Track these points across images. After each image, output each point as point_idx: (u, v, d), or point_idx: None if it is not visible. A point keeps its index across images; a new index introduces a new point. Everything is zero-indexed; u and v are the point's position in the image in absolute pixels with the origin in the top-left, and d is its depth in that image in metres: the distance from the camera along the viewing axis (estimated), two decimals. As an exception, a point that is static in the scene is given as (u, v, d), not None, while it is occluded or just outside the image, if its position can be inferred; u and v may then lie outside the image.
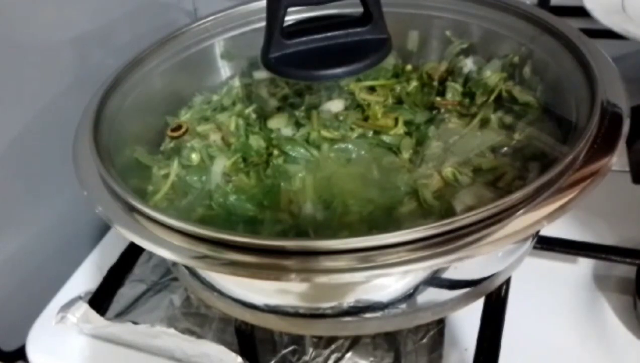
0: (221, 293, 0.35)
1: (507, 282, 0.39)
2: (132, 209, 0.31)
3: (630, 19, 0.49)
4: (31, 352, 0.42)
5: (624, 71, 0.35)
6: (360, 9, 0.36)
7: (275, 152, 0.37)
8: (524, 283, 0.40)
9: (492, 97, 0.40)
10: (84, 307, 0.41)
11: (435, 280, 0.32)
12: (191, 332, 0.41)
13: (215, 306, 0.37)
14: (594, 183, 0.28)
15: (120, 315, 0.43)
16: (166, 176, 0.37)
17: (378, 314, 0.33)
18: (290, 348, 0.39)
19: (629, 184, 0.36)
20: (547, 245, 0.42)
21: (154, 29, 0.50)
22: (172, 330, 0.37)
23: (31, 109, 0.48)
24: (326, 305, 0.32)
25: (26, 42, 0.47)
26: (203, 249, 0.28)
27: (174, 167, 0.37)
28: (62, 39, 0.50)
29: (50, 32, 0.49)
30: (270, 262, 0.27)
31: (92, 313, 0.41)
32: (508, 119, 0.38)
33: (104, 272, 0.46)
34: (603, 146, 0.30)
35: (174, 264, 0.39)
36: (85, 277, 0.47)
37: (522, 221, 0.27)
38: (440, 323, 0.39)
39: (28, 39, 0.47)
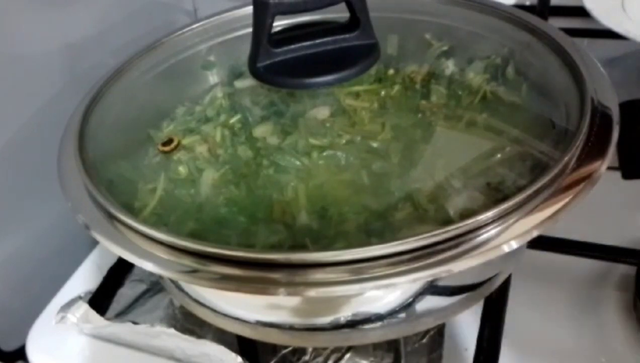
0: (220, 311, 0.35)
1: (507, 282, 0.39)
2: (120, 223, 0.30)
3: (630, 19, 0.50)
4: (31, 352, 0.42)
5: (624, 71, 0.35)
6: (346, 14, 0.36)
7: (265, 162, 0.37)
8: (524, 283, 0.40)
9: (477, 99, 0.39)
10: (84, 307, 0.41)
11: (433, 288, 0.32)
12: (191, 332, 0.41)
13: (215, 323, 0.37)
14: (587, 188, 0.28)
15: (120, 315, 0.43)
16: (153, 190, 0.36)
17: (378, 324, 0.33)
18: (290, 348, 0.39)
19: (629, 183, 0.36)
20: (547, 245, 0.42)
21: (154, 29, 0.50)
22: (172, 330, 0.37)
23: (30, 108, 0.48)
24: (324, 318, 0.32)
25: (26, 41, 0.47)
26: (188, 262, 0.28)
27: (161, 181, 0.36)
28: (62, 40, 0.50)
29: (51, 33, 0.49)
30: (257, 275, 0.27)
31: (92, 313, 0.41)
32: (495, 121, 0.38)
33: (104, 272, 0.46)
34: (594, 150, 0.30)
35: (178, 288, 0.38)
36: (85, 277, 0.47)
37: (516, 228, 0.27)
38: (440, 323, 0.39)
39: (28, 38, 0.47)
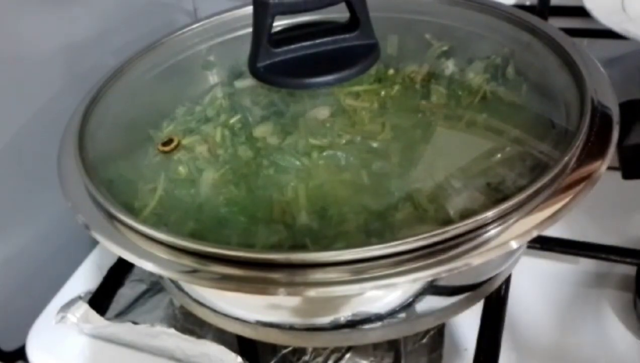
0: (220, 311, 0.35)
1: (507, 282, 0.39)
2: (120, 223, 0.31)
3: (630, 19, 0.50)
4: (31, 352, 0.42)
5: (624, 71, 0.35)
6: (346, 14, 0.36)
7: (265, 162, 0.36)
8: (524, 283, 0.40)
9: (477, 99, 0.39)
10: (84, 307, 0.41)
11: (433, 288, 0.32)
12: (191, 332, 0.41)
13: (214, 322, 0.37)
14: (587, 188, 0.28)
15: (120, 315, 0.43)
16: (153, 190, 0.36)
17: (378, 324, 0.33)
18: (290, 348, 0.39)
19: (628, 183, 0.36)
20: (547, 245, 0.42)
21: (154, 29, 0.50)
22: (172, 330, 0.37)
23: (30, 108, 0.48)
24: (324, 318, 0.32)
25: (26, 41, 0.47)
26: (188, 262, 0.28)
27: (161, 181, 0.36)
28: (62, 40, 0.50)
29: (51, 33, 0.49)
30: (257, 275, 0.27)
31: (92, 313, 0.41)
32: (495, 121, 0.38)
33: (104, 272, 0.46)
34: (594, 150, 0.30)
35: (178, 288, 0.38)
36: (85, 277, 0.47)
37: (516, 228, 0.27)
38: (440, 323, 0.39)
39: (28, 38, 0.47)
